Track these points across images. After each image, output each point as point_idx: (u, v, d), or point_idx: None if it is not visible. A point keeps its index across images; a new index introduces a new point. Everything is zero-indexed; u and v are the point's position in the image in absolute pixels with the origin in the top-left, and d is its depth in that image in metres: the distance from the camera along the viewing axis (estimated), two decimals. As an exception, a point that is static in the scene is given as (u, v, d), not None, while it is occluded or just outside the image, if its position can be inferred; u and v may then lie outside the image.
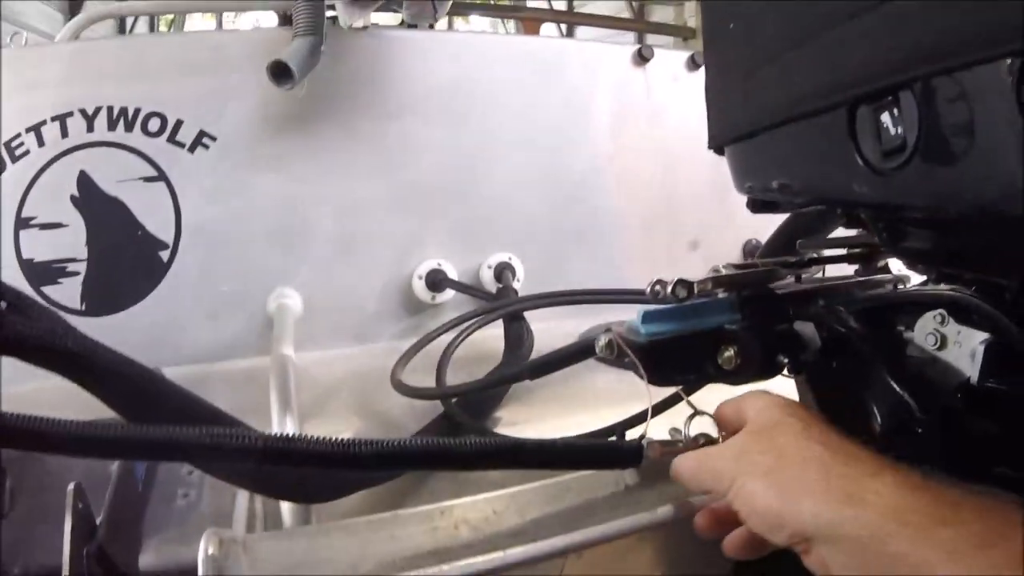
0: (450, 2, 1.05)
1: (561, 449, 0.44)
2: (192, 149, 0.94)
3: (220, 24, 3.64)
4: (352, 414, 0.82)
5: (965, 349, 0.40)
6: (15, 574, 0.51)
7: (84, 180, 0.91)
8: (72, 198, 0.90)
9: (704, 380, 0.49)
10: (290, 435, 0.38)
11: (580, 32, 3.91)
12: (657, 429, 0.45)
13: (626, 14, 4.09)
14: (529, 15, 4.09)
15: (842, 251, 0.55)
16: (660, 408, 0.49)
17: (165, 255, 0.94)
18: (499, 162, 1.07)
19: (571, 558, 0.46)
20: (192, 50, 0.98)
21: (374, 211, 1.01)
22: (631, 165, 1.15)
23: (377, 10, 1.02)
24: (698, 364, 0.46)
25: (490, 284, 1.04)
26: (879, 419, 0.42)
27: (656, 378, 0.44)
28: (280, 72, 0.84)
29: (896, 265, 0.53)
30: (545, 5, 4.56)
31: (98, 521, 0.49)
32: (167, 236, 0.94)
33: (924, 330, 0.42)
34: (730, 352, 0.46)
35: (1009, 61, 0.27)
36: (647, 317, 0.45)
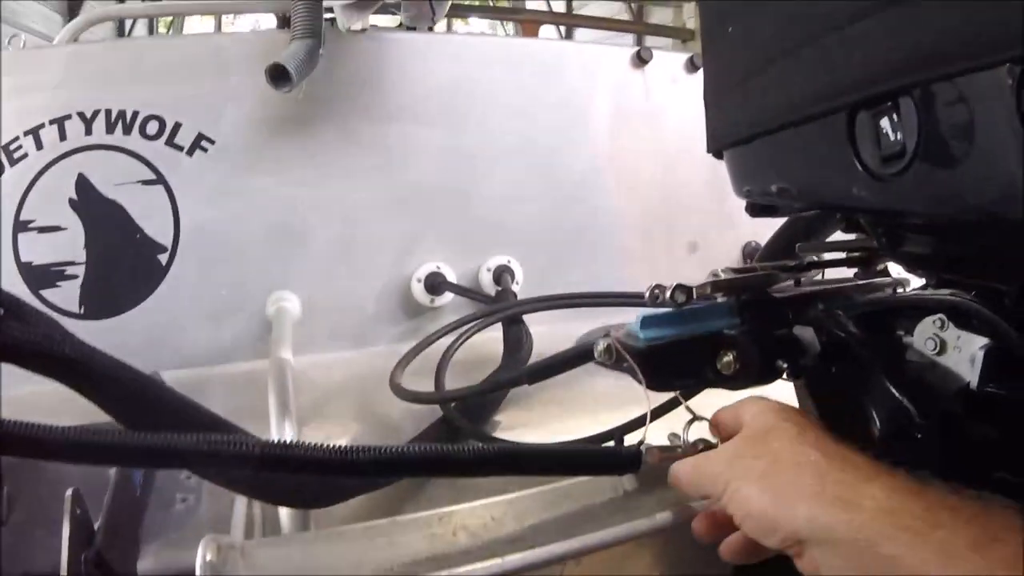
0: (449, 4, 1.04)
1: (559, 455, 0.44)
2: (190, 152, 0.94)
3: (219, 27, 3.65)
4: (351, 418, 0.81)
5: (965, 354, 0.40)
6: (13, 580, 0.51)
7: (82, 183, 0.91)
8: (70, 201, 0.90)
9: (703, 385, 0.48)
10: (287, 442, 0.38)
11: (579, 34, 3.92)
12: (656, 433, 0.45)
13: (625, 16, 4.10)
14: (528, 17, 4.10)
15: (841, 255, 0.55)
16: (659, 413, 0.49)
17: (164, 258, 0.94)
18: (498, 164, 1.07)
19: (570, 564, 0.46)
20: (190, 53, 0.98)
21: (373, 214, 1.01)
22: (630, 167, 1.15)
23: (376, 12, 1.02)
24: (697, 369, 0.46)
25: (489, 287, 1.04)
26: (878, 424, 0.42)
27: (655, 383, 0.44)
28: (278, 75, 0.84)
29: (896, 268, 0.53)
30: (544, 7, 4.57)
31: (96, 527, 0.49)
32: (165, 239, 0.94)
33: (923, 335, 0.42)
34: (729, 357, 0.45)
35: (1008, 66, 0.27)
36: (646, 322, 0.45)
